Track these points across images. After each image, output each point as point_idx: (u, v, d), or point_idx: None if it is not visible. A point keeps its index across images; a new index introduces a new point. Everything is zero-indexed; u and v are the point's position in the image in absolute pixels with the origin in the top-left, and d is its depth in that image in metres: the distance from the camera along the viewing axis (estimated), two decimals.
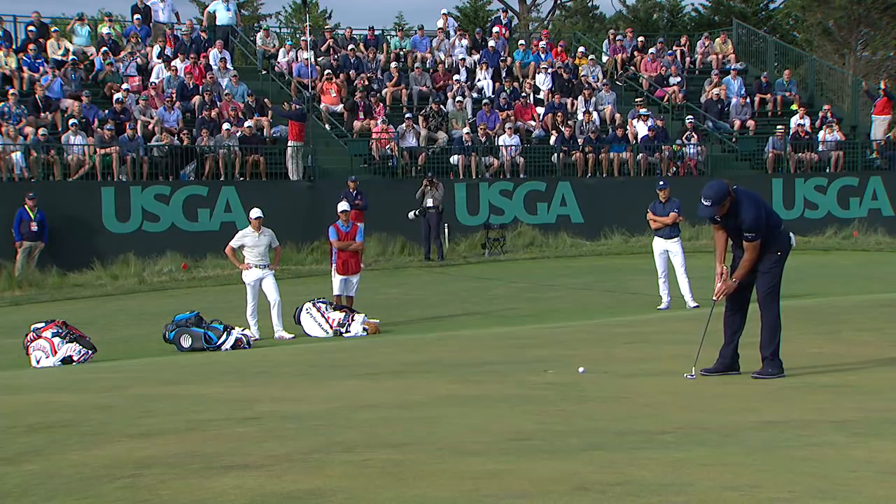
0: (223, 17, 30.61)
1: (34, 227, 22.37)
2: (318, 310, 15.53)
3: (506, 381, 8.64)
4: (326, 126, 28.16)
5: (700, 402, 7.41)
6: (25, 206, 22.35)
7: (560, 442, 5.92)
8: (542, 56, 32.22)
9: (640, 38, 34.62)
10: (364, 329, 15.19)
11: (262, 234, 15.62)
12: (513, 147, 28.15)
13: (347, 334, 15.14)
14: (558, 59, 32.42)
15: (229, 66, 28.88)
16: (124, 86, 26.77)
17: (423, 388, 8.37)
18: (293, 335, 15.21)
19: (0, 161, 23.67)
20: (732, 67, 33.36)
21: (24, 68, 26.28)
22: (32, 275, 22.14)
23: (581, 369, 8.95)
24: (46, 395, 8.61)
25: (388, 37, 33.12)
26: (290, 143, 26.06)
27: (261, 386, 8.97)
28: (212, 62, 28.69)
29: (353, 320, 15.34)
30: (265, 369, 10.43)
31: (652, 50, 33.50)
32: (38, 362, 13.35)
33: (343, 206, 16.86)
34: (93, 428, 6.71)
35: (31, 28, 27.61)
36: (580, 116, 29.69)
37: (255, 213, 15.74)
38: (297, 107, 26.25)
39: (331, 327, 15.31)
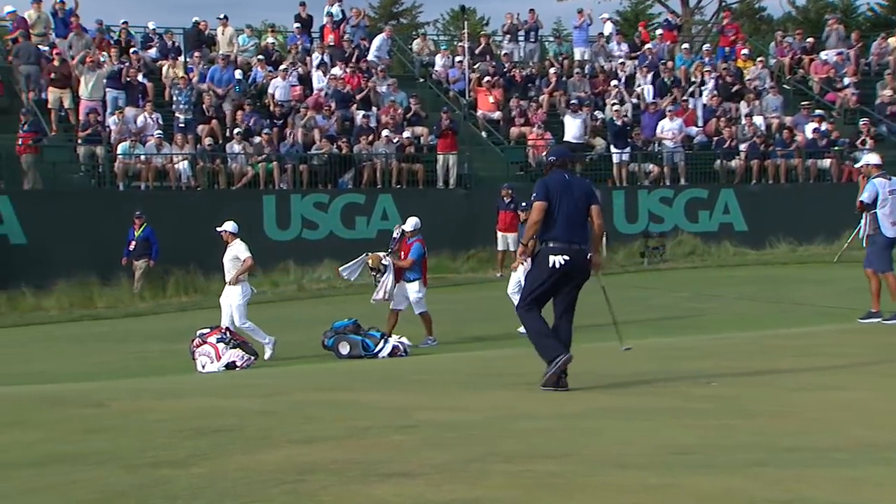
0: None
1: (133, 247, 22.23)
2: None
3: (665, 394, 8.51)
4: (483, 133, 28.31)
5: (875, 417, 7.15)
6: (133, 225, 22.19)
7: (724, 457, 5.80)
8: (707, 60, 31.67)
9: (810, 40, 33.64)
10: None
11: (229, 246, 15.24)
12: (673, 153, 27.73)
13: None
14: (722, 63, 31.79)
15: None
16: (285, 94, 27.45)
17: (581, 399, 8.31)
18: (271, 355, 14.80)
19: (170, 170, 24.60)
20: None
21: (188, 74, 27.17)
22: (151, 288, 22.22)
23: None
24: (211, 400, 8.90)
25: (546, 42, 33.11)
26: (440, 154, 26.30)
27: (418, 394, 9.07)
28: (370, 70, 29.18)
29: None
30: (422, 377, 10.53)
31: (828, 54, 32.47)
32: (202, 367, 13.82)
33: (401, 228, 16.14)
34: (256, 433, 6.90)
35: (201, 35, 28.69)
36: (743, 121, 29.05)
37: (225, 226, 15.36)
38: (447, 121, 26.37)
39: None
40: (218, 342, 13.99)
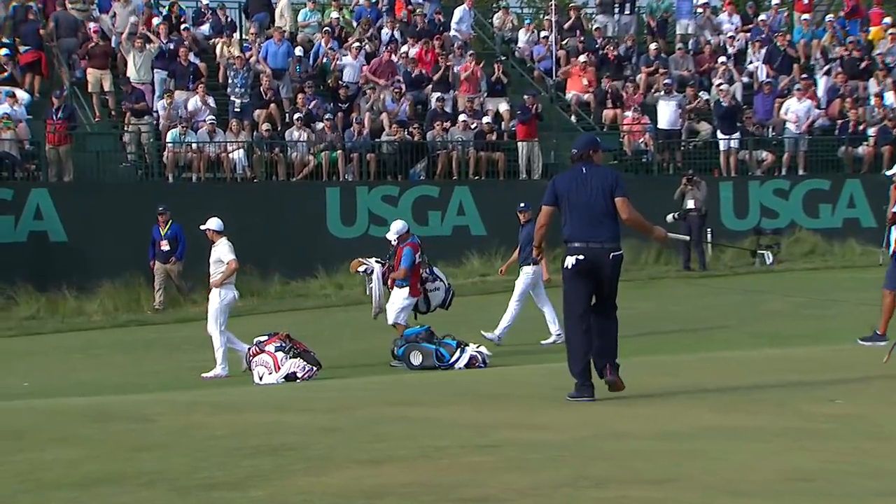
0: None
1: (164, 247, 21.85)
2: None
3: (782, 412, 8.42)
4: (572, 118, 28.22)
5: None
6: (158, 223, 21.92)
7: (851, 485, 5.72)
8: (831, 32, 31.14)
9: None
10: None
11: (214, 246, 15.38)
12: (790, 139, 27.37)
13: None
14: (849, 35, 31.25)
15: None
16: (352, 75, 27.58)
17: (684, 417, 8.26)
18: (216, 374, 14.90)
19: (224, 159, 24.91)
20: None
21: (244, 53, 27.30)
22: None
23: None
24: (271, 415, 8.99)
25: (642, 13, 32.86)
26: (521, 141, 26.27)
27: (498, 409, 9.08)
28: (446, 47, 29.20)
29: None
30: (503, 391, 10.56)
31: None
32: (260, 378, 13.98)
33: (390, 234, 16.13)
34: (319, 452, 6.96)
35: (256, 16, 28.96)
36: (872, 101, 28.57)
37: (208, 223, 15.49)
38: (527, 103, 26.31)
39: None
40: (277, 351, 14.14)
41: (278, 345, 14.22)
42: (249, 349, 14.41)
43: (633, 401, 9.34)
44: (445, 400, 9.99)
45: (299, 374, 13.93)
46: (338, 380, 13.72)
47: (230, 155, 24.95)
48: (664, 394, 9.80)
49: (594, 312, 9.43)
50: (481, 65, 28.16)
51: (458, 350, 14.78)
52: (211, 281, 15.33)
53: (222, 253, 15.27)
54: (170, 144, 24.74)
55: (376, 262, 16.16)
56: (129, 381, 14.92)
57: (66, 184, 24.05)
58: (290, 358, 14.05)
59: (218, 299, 15.14)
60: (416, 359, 14.76)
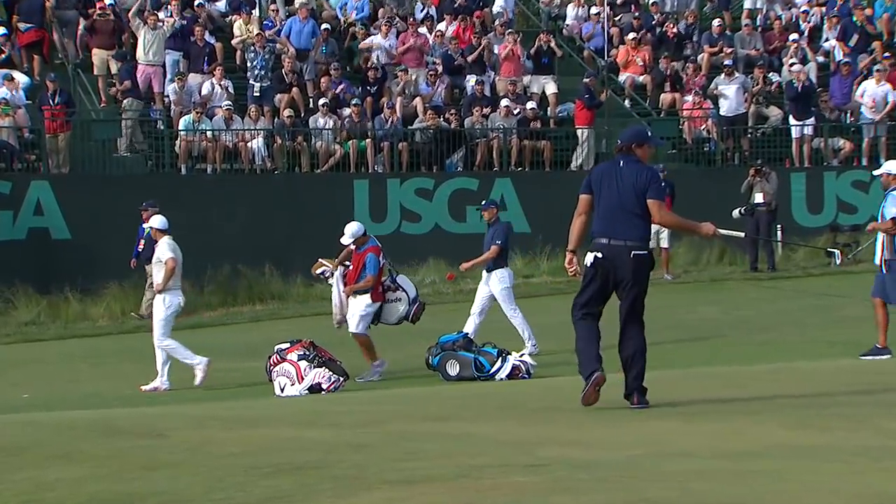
0: None
1: (141, 246, 21.10)
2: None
3: (861, 429, 8.36)
4: (626, 102, 28.14)
5: None
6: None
7: None
8: None
9: None
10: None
11: (157, 246, 15.50)
12: (869, 125, 27.18)
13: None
14: None
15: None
16: (383, 56, 27.65)
17: (751, 434, 8.22)
18: (155, 387, 15.06)
19: (242, 149, 25.00)
20: None
21: (265, 32, 27.31)
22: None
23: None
24: (293, 430, 9.01)
25: None
26: (579, 128, 26.24)
27: (544, 425, 9.07)
28: (486, 24, 29.19)
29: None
30: (549, 404, 10.53)
31: None
32: (282, 390, 14.04)
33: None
34: (347, 471, 6.97)
35: None
36: None
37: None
38: (590, 84, 26.27)
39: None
40: (300, 360, 14.19)
41: (301, 353, 14.27)
42: (270, 357, 14.48)
43: (693, 416, 9.29)
44: (486, 414, 9.97)
45: (324, 385, 13.97)
46: (367, 391, 13.75)
47: (249, 144, 25.08)
48: (728, 408, 9.75)
49: (625, 324, 9.60)
50: (522, 40, 28.05)
51: (500, 359, 14.77)
52: (154, 286, 15.45)
53: (161, 252, 15.43)
54: (182, 132, 24.87)
55: (346, 266, 15.93)
56: (138, 393, 15.02)
57: (69, 176, 24.19)
58: (315, 367, 14.10)
59: (163, 307, 15.32)
60: (452, 369, 14.77)
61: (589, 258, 9.55)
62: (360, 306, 15.43)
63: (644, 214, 9.55)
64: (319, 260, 16.42)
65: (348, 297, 15.57)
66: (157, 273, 15.51)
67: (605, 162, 10.22)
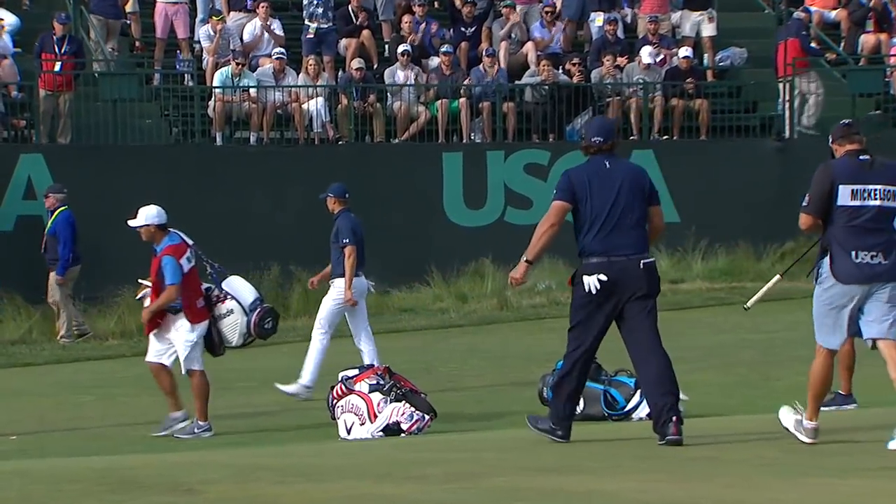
0: None
1: (44, 245, 21.78)
2: None
3: None
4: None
5: None
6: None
7: None
8: None
9: None
10: None
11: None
12: None
13: None
14: None
15: None
16: None
17: None
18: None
19: (295, 112, 25.01)
20: None
21: None
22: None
23: None
24: (363, 485, 9.04)
25: None
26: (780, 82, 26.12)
27: (702, 481, 9.06)
28: None
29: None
30: (706, 453, 10.48)
31: None
32: (348, 431, 14.06)
33: None
34: None
35: None
36: None
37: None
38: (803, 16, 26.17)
39: None
40: (372, 391, 14.20)
41: (374, 383, 14.28)
42: (333, 388, 14.48)
43: (888, 470, 9.23)
44: (620, 465, 9.96)
45: (404, 425, 13.98)
46: (459, 434, 13.72)
47: (304, 106, 25.14)
48: None
49: (649, 352, 10.21)
50: None
51: (638, 392, 14.63)
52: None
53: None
54: (217, 91, 24.99)
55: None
56: (157, 436, 15.05)
57: (69, 147, 24.37)
58: (392, 402, 14.10)
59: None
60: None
61: (591, 283, 10.13)
62: (181, 336, 14.84)
63: (644, 221, 10.23)
64: (140, 282, 16.03)
65: (152, 325, 14.95)
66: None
67: (580, 165, 10.68)
